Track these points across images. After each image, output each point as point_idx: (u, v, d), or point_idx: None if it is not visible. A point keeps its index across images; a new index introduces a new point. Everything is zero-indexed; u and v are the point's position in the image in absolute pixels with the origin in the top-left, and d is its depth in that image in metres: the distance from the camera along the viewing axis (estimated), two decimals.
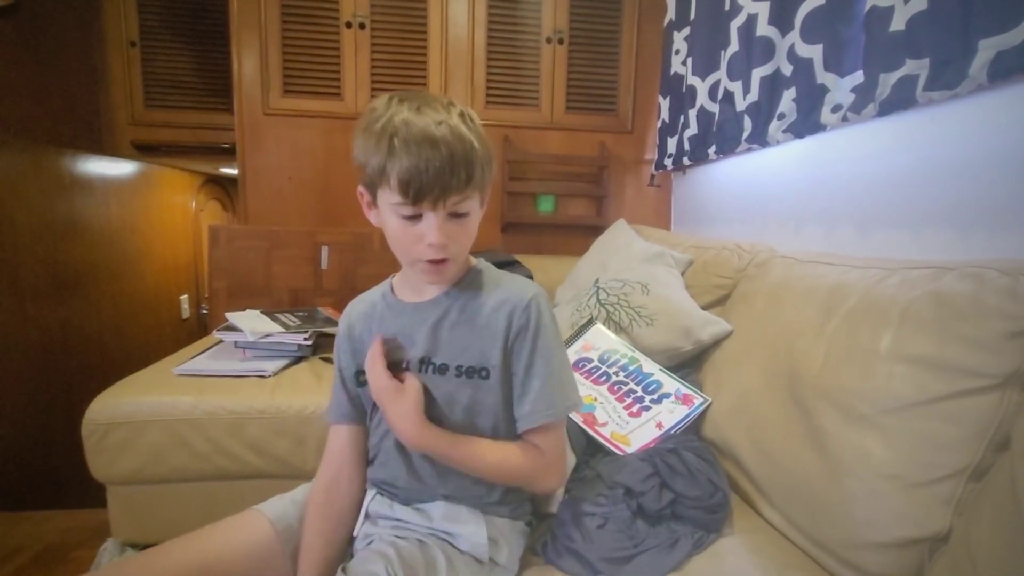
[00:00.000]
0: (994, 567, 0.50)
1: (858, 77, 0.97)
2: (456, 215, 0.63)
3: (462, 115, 0.63)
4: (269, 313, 1.46)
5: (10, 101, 1.86)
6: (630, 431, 0.89)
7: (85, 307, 2.23)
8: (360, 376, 0.73)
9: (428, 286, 0.70)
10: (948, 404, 0.61)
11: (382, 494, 0.71)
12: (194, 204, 3.14)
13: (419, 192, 0.59)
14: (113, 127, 2.23)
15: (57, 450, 1.83)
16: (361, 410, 0.74)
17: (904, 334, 0.67)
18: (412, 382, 0.66)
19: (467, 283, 0.70)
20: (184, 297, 3.07)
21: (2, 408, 1.84)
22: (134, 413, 1.08)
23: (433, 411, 0.67)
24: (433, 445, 0.65)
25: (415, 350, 0.69)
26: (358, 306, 0.76)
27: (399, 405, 0.65)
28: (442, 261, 0.63)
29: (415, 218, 0.62)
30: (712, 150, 1.50)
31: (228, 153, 2.14)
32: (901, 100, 0.87)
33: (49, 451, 1.78)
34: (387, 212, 0.63)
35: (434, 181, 0.59)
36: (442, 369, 0.68)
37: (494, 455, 0.67)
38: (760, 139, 1.28)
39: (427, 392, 0.67)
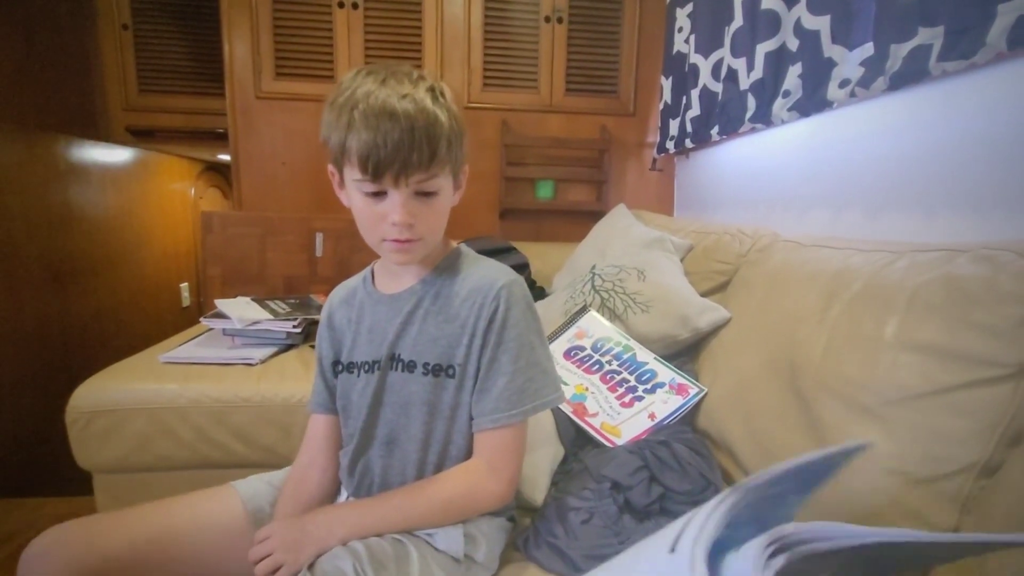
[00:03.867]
0: (1004, 568, 0.46)
1: (868, 49, 0.91)
2: (423, 193, 0.60)
3: (431, 89, 0.59)
4: (260, 300, 1.44)
5: (1, 86, 1.83)
6: (621, 422, 0.86)
7: (83, 296, 2.22)
8: (336, 366, 0.71)
9: (404, 274, 0.68)
10: (957, 395, 0.57)
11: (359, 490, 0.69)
12: (193, 191, 3.12)
13: (378, 167, 0.57)
14: (107, 113, 2.20)
15: (54, 438, 1.84)
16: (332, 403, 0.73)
17: (911, 321, 0.63)
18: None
19: (442, 269, 0.67)
20: (184, 285, 3.06)
21: (0, 396, 1.83)
22: (118, 401, 1.06)
23: (389, 415, 0.66)
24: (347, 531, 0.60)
25: (385, 346, 0.66)
26: (340, 293, 0.75)
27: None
28: (407, 241, 0.60)
29: (379, 195, 0.59)
30: (715, 131, 1.44)
31: (224, 139, 2.11)
32: (913, 72, 0.82)
33: (46, 439, 1.78)
34: (352, 190, 0.61)
35: (393, 155, 0.56)
36: (410, 367, 0.65)
37: (416, 509, 0.62)
38: (764, 118, 1.22)
39: (384, 396, 0.66)
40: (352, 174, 0.59)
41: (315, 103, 1.88)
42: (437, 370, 0.64)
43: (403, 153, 0.56)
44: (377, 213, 0.60)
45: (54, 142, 2.06)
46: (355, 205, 0.62)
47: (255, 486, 0.71)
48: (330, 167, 0.65)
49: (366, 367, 0.67)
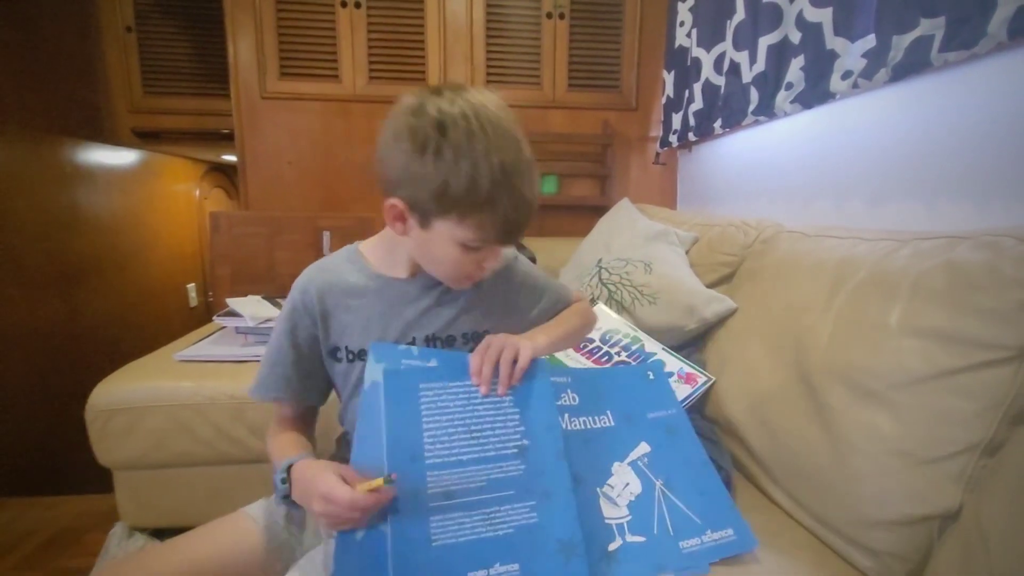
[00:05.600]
0: (1007, 543, 0.48)
1: (870, 41, 0.92)
2: None
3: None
4: (270, 298, 1.46)
5: (6, 89, 1.85)
6: None
7: (91, 297, 2.24)
8: (337, 353, 0.69)
9: (415, 265, 0.70)
10: (961, 378, 0.58)
11: None
12: (198, 192, 3.14)
13: (512, 236, 0.62)
14: (113, 115, 2.22)
15: (69, 437, 1.86)
16: (315, 389, 0.72)
17: (915, 307, 0.64)
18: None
19: None
20: (191, 286, 3.08)
21: (14, 396, 1.86)
22: (136, 399, 1.08)
23: None
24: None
25: (417, 328, 0.68)
26: (323, 275, 0.70)
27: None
28: None
29: (479, 248, 0.62)
30: (718, 124, 1.46)
31: (229, 139, 2.13)
32: (915, 63, 0.83)
33: (61, 438, 1.81)
34: (444, 238, 0.61)
35: (526, 225, 0.62)
36: (449, 341, 0.69)
37: (571, 323, 0.78)
38: (767, 111, 1.23)
39: None
40: (464, 233, 0.59)
41: (320, 102, 1.89)
42: (475, 337, 0.70)
43: (528, 223, 0.62)
44: (472, 260, 0.63)
45: (60, 145, 2.08)
46: (444, 251, 0.62)
47: (263, 506, 0.70)
48: (397, 203, 0.61)
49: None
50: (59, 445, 1.78)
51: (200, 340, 1.33)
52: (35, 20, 1.97)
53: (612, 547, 0.59)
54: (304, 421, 0.74)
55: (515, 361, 0.64)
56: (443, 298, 0.70)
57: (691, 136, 1.64)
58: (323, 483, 0.53)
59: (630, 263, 1.18)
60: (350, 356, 0.69)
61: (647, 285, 1.11)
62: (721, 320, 1.01)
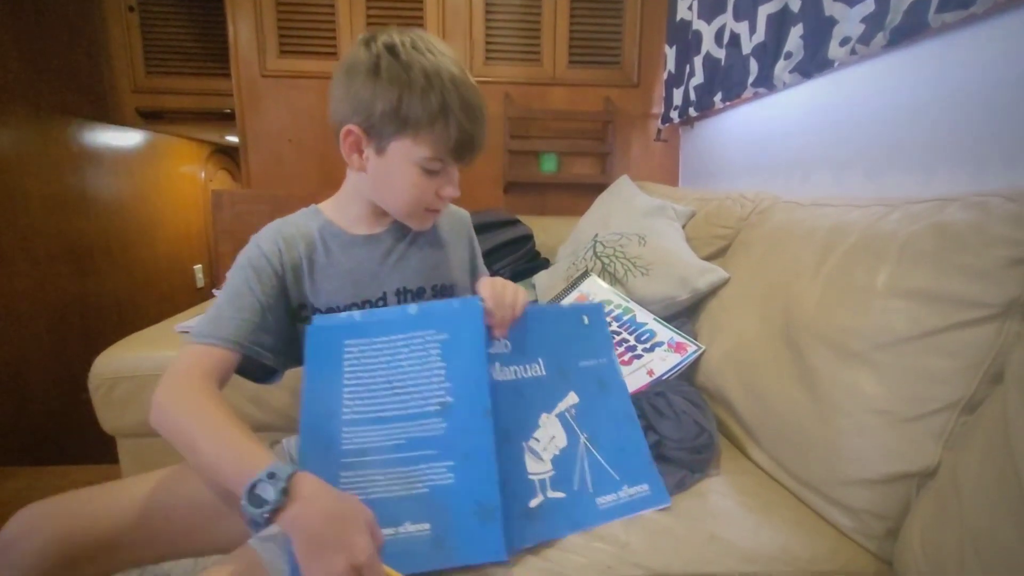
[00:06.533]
0: (978, 495, 0.48)
1: (869, 5, 0.91)
2: None
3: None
4: None
5: (14, 70, 1.86)
6: None
7: (100, 276, 2.28)
8: (303, 310, 0.67)
9: (379, 216, 0.71)
10: (944, 337, 0.58)
11: None
12: (203, 174, 3.16)
13: (467, 152, 0.63)
14: (116, 95, 2.23)
15: (78, 408, 1.92)
16: (269, 349, 0.64)
17: (902, 269, 0.64)
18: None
19: None
20: (198, 267, 3.12)
21: (27, 369, 1.91)
22: (137, 368, 1.11)
23: None
24: None
25: (387, 282, 0.69)
26: (287, 228, 0.68)
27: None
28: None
29: (436, 172, 0.64)
30: (718, 98, 1.44)
31: (232, 120, 2.13)
32: (913, 25, 0.81)
33: (70, 410, 1.86)
34: (401, 162, 0.63)
35: (480, 142, 0.64)
36: (419, 293, 0.71)
37: None
38: (767, 82, 1.22)
39: None
40: (420, 151, 0.62)
41: (319, 80, 1.89)
42: (444, 290, 0.73)
43: (482, 140, 0.64)
44: (431, 186, 0.65)
45: (66, 125, 2.10)
46: (401, 176, 0.63)
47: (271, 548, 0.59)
48: (352, 129, 0.62)
49: (353, 308, 0.68)
50: (69, 417, 1.82)
51: (201, 315, 1.35)
52: (39, 0, 1.98)
53: (533, 503, 0.59)
54: (223, 383, 0.61)
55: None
56: (409, 250, 0.72)
57: (692, 111, 1.62)
58: (364, 545, 0.43)
59: (625, 236, 1.18)
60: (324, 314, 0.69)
61: (640, 257, 1.10)
62: (714, 290, 1.01)
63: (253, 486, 0.45)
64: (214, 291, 1.34)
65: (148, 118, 2.32)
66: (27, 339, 1.93)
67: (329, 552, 0.43)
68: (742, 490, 0.68)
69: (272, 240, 0.67)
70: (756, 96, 1.35)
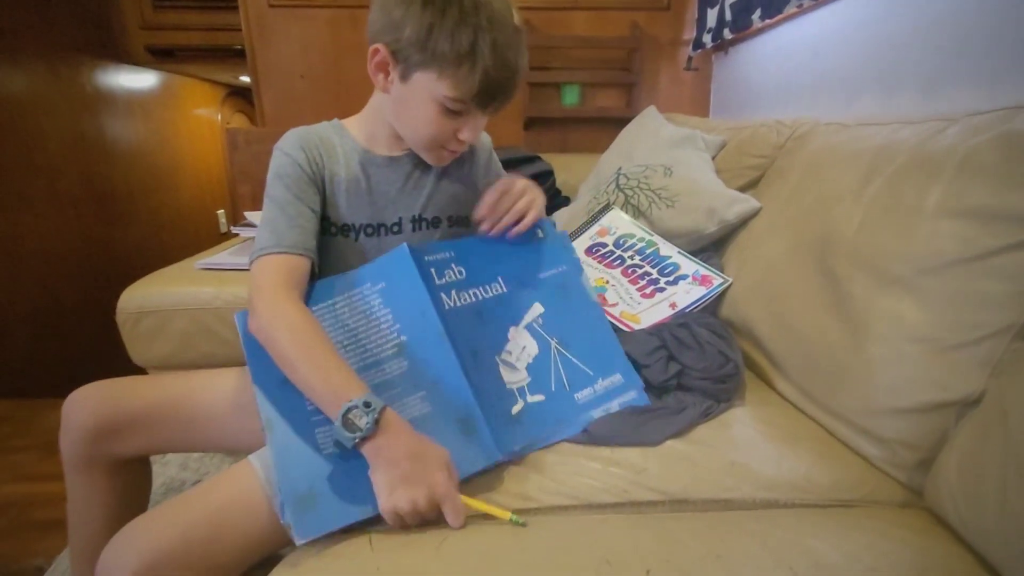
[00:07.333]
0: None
1: None
2: None
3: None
4: None
5: (19, 10, 1.82)
6: (641, 311, 0.85)
7: (124, 219, 2.31)
8: (324, 221, 0.65)
9: (399, 140, 0.68)
10: (1000, 258, 0.53)
11: None
12: (220, 117, 3.12)
13: (491, 100, 0.58)
14: (125, 32, 2.18)
15: (111, 343, 2.00)
16: (314, 248, 0.63)
17: (958, 186, 0.58)
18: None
19: None
20: (221, 212, 3.14)
21: (59, 305, 1.97)
22: (161, 303, 1.12)
23: None
24: None
25: (404, 208, 0.66)
26: (308, 136, 0.66)
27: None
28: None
29: (457, 113, 0.60)
30: (756, 16, 1.32)
31: (243, 56, 2.07)
32: None
33: (104, 344, 1.93)
34: (422, 95, 0.59)
35: (507, 93, 0.59)
36: (435, 223, 0.69)
37: None
38: None
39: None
40: (443, 88, 0.57)
41: (329, 10, 1.80)
42: (461, 221, 0.71)
43: (512, 91, 0.59)
44: (448, 126, 0.61)
45: (79, 64, 2.07)
46: (420, 110, 0.60)
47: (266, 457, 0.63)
48: (381, 49, 0.59)
49: (368, 230, 0.67)
50: (101, 351, 1.90)
51: (222, 252, 1.35)
52: None
53: (516, 410, 0.61)
54: (303, 293, 0.60)
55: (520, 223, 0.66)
56: (427, 178, 0.69)
57: (727, 33, 1.50)
58: (442, 479, 0.46)
59: (649, 168, 1.12)
60: (332, 230, 0.67)
61: (665, 188, 1.05)
62: (744, 222, 0.95)
63: (348, 411, 0.47)
64: (233, 228, 1.34)
65: (158, 56, 2.26)
66: (59, 278, 1.99)
67: (412, 484, 0.45)
68: (766, 420, 0.66)
69: (295, 146, 0.65)
70: (800, 11, 1.23)
